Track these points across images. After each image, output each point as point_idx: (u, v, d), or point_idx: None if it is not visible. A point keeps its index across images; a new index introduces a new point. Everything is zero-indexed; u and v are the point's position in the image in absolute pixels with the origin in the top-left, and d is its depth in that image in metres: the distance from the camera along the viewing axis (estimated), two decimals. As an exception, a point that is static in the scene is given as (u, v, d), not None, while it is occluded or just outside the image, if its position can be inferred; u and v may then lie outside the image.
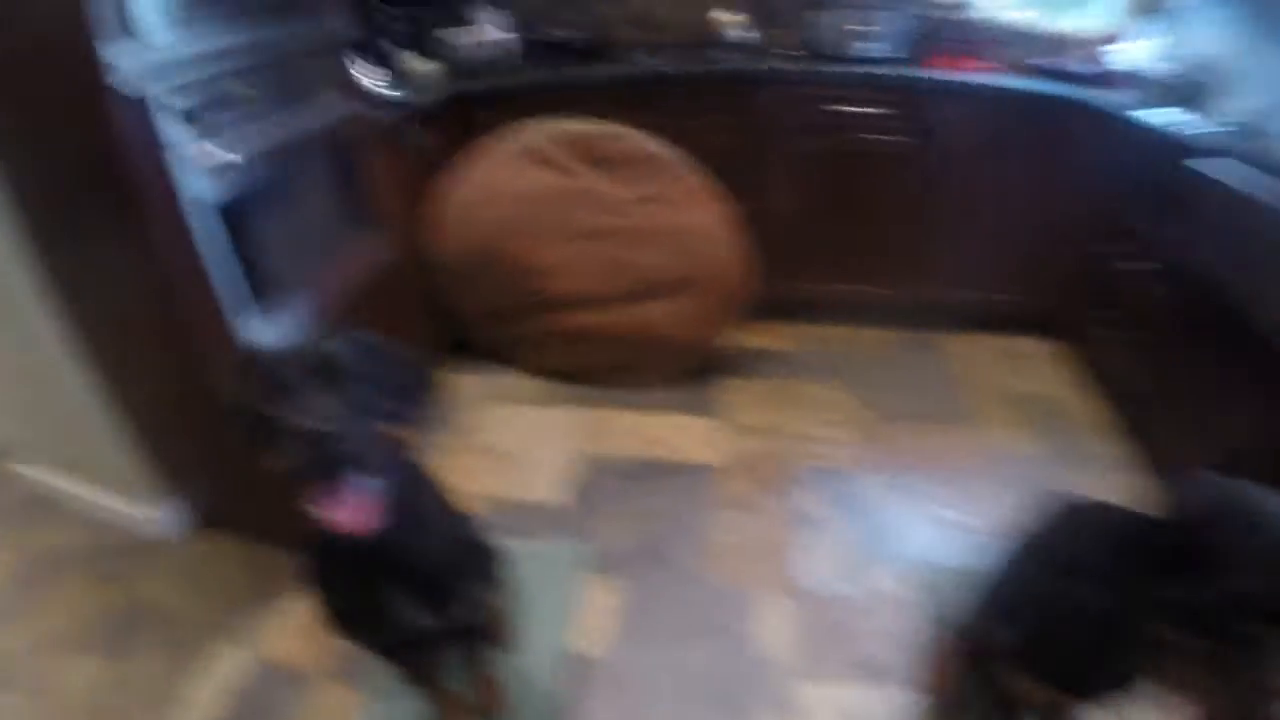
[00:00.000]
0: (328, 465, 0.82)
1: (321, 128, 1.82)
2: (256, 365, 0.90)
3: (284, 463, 0.83)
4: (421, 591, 1.06)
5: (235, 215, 1.54)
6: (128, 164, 1.34)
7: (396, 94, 2.24)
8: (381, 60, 2.34)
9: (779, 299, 2.49)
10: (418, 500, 1.04)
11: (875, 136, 2.33)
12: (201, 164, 1.44)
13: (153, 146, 1.36)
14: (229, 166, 1.50)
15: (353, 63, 2.00)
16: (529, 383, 2.42)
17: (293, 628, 1.76)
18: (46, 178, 1.55)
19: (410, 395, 0.99)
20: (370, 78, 2.14)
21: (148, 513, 2.13)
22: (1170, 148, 1.81)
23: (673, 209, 2.17)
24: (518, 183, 2.22)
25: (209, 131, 1.46)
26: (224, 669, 1.73)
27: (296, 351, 0.90)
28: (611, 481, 1.94)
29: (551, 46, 2.72)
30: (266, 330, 1.66)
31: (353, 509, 0.86)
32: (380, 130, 2.09)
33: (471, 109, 2.47)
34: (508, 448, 2.13)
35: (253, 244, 1.62)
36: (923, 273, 2.52)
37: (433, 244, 2.35)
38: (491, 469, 2.05)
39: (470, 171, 2.33)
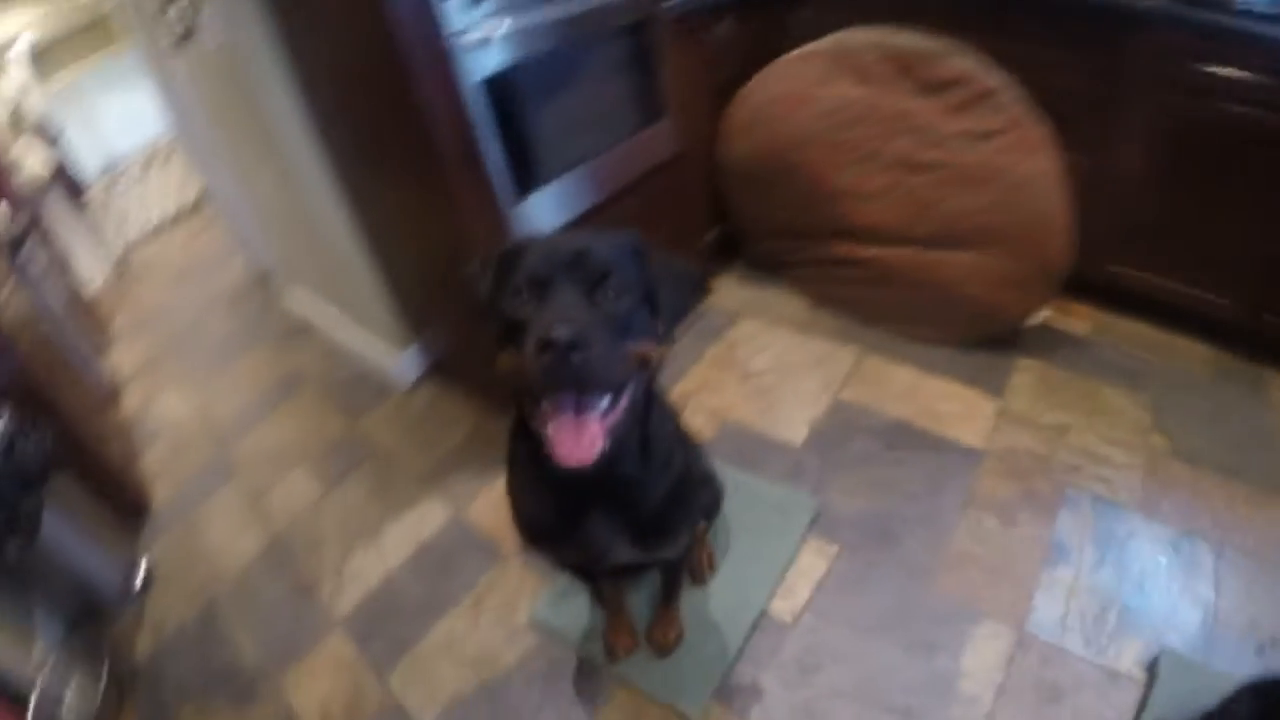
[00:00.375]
0: (565, 380, 0.70)
1: (615, 6, 1.71)
2: (509, 254, 0.80)
3: (520, 365, 0.72)
4: (629, 527, 0.94)
5: (507, 88, 1.50)
6: (399, 25, 1.31)
7: None
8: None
9: (1092, 276, 2.08)
10: (648, 432, 0.90)
11: (1255, 112, 1.82)
12: (474, 33, 1.40)
13: (425, 10, 1.32)
14: (502, 38, 1.45)
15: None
16: (799, 305, 2.26)
17: (497, 498, 1.74)
18: (325, 46, 1.60)
19: (673, 308, 0.85)
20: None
21: (388, 356, 2.25)
22: None
23: (999, 151, 1.84)
24: (826, 91, 2.00)
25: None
26: (422, 519, 1.76)
27: (554, 244, 0.78)
28: (861, 437, 1.73)
29: None
30: (531, 207, 1.62)
31: (578, 436, 0.73)
32: (681, 16, 1.95)
33: (786, 4, 2.25)
34: (761, 371, 1.99)
35: (524, 120, 1.57)
36: (1270, 291, 2.00)
37: (724, 144, 2.21)
38: (739, 390, 1.93)
39: (775, 71, 2.13)
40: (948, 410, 1.78)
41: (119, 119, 5.35)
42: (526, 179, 1.60)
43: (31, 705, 1.49)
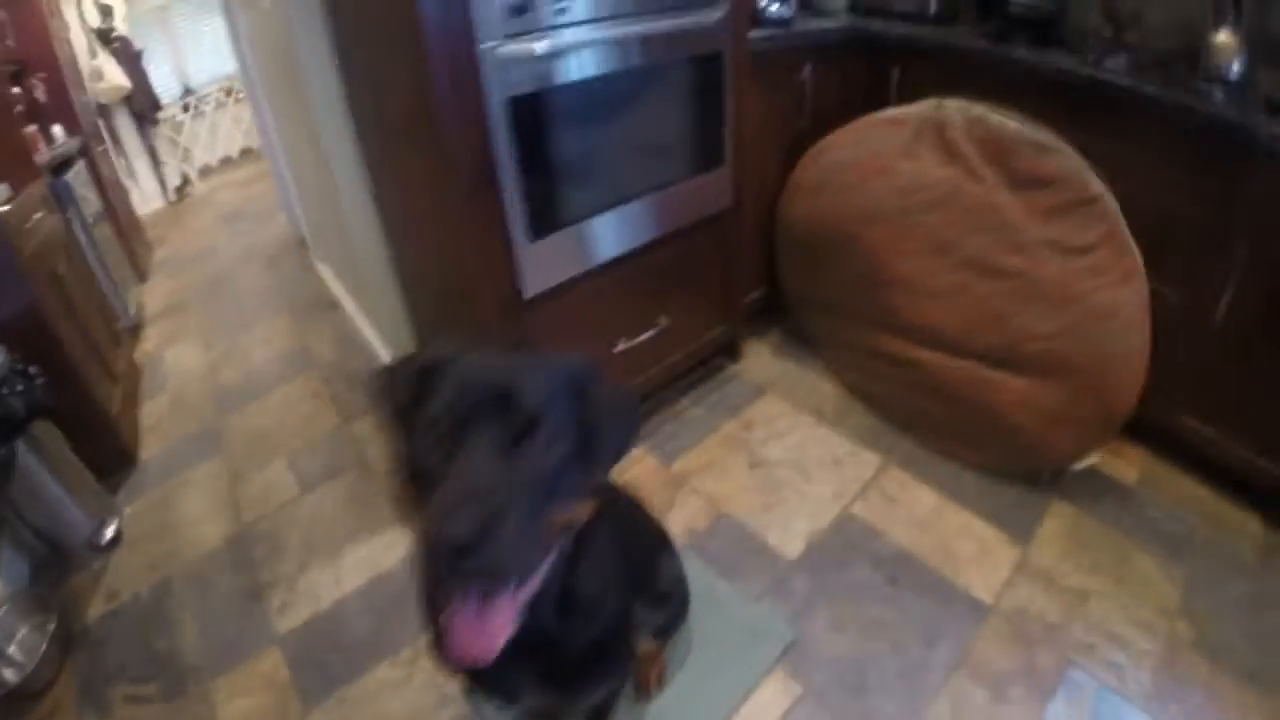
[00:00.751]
0: (462, 580, 0.59)
1: (687, 34, 1.53)
2: (425, 370, 0.66)
3: (421, 542, 0.59)
4: (540, 673, 0.81)
5: (539, 112, 1.35)
6: (426, 22, 1.18)
7: (787, 13, 1.94)
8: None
9: (1152, 418, 1.83)
10: (573, 583, 0.76)
11: None
12: (510, 46, 1.26)
13: (456, 11, 1.19)
14: (542, 55, 1.29)
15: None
16: (831, 391, 2.08)
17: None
18: (364, 32, 1.52)
19: (612, 453, 0.71)
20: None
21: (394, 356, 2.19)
22: None
23: (1086, 271, 1.64)
24: (907, 165, 1.82)
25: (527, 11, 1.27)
26: (387, 548, 1.74)
27: (476, 374, 0.64)
28: (861, 564, 1.56)
29: (996, 8, 2.15)
30: (549, 248, 1.48)
31: (477, 630, 0.61)
32: (764, 53, 1.80)
33: (874, 57, 2.06)
34: (774, 460, 1.83)
35: (556, 149, 1.41)
36: None
37: (787, 201, 2.06)
38: (744, 479, 1.78)
39: (855, 132, 1.96)
40: (964, 550, 1.59)
41: (202, 49, 5.43)
42: (549, 216, 1.46)
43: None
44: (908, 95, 1.96)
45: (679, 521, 1.66)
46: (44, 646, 1.56)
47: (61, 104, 3.28)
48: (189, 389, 2.57)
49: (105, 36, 4.46)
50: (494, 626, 0.61)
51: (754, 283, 2.20)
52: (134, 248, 3.61)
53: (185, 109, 5.30)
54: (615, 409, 0.71)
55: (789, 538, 1.60)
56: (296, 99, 2.02)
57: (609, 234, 1.60)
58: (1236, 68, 1.80)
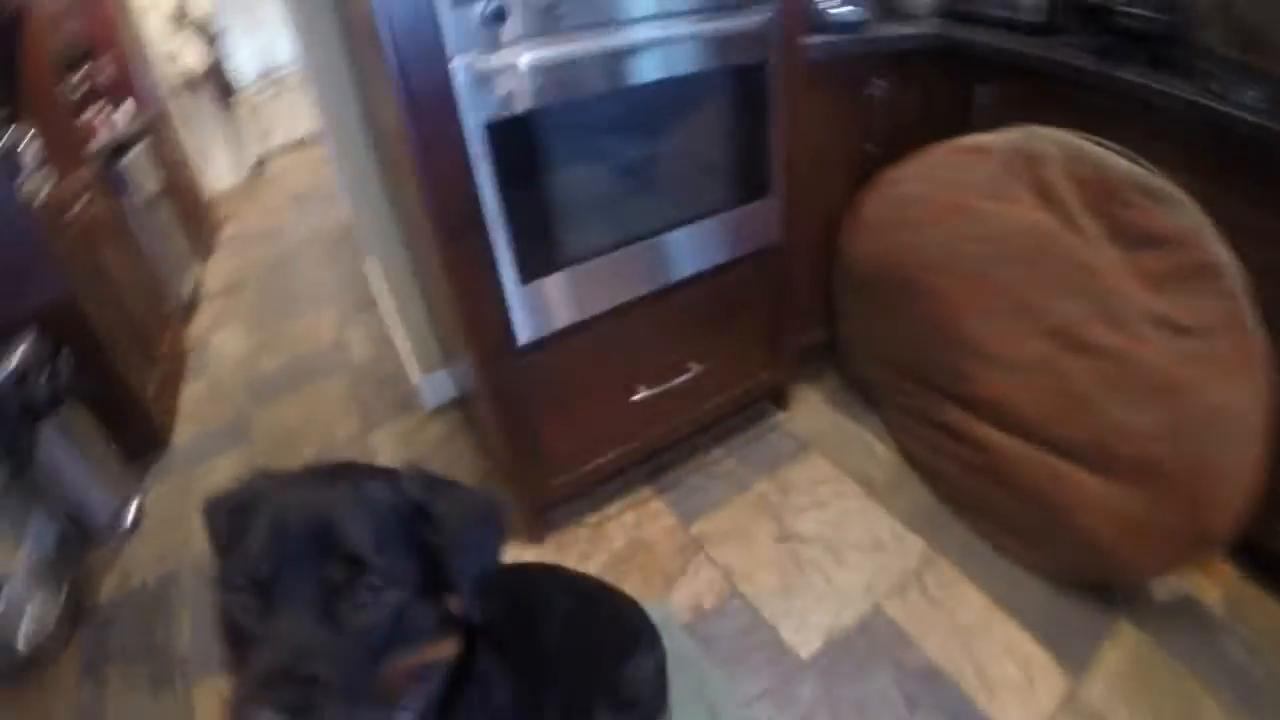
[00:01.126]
0: None
1: (724, 39, 1.30)
2: (237, 508, 0.56)
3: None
4: None
5: (531, 136, 1.16)
6: (392, 37, 1.02)
7: (858, 16, 1.69)
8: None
9: (1253, 540, 1.52)
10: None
11: None
12: (487, 60, 1.06)
13: (422, 18, 1.01)
14: (528, 70, 1.09)
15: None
16: (883, 458, 1.84)
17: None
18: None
19: (472, 574, 0.59)
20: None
21: (417, 371, 2.20)
22: None
23: (1195, 357, 1.36)
24: (991, 205, 1.58)
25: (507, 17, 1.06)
26: None
27: (288, 510, 0.54)
28: (882, 676, 1.34)
29: (1104, 19, 1.79)
30: (554, 286, 1.31)
31: None
32: (826, 62, 1.57)
33: (959, 71, 1.80)
34: (806, 535, 1.63)
35: (554, 177, 1.22)
36: None
37: (849, 236, 1.84)
38: (769, 552, 1.59)
39: (932, 161, 1.73)
40: (1003, 674, 1.34)
41: (281, 28, 5.55)
42: (544, 256, 1.28)
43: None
44: (995, 119, 1.71)
45: (686, 593, 1.50)
46: (55, 618, 1.62)
47: (129, 84, 3.36)
48: (228, 375, 2.59)
49: (183, 16, 4.61)
50: None
51: (808, 324, 1.99)
52: (198, 227, 3.70)
53: (265, 88, 5.45)
54: (469, 525, 0.60)
55: (806, 632, 1.41)
56: (338, 83, 1.98)
57: (621, 275, 1.41)
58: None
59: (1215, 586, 1.53)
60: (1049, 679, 1.34)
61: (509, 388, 1.39)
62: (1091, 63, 1.61)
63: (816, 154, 1.69)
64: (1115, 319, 1.42)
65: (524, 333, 1.32)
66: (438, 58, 1.03)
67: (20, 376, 1.72)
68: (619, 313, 1.44)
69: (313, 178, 5.00)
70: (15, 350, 1.72)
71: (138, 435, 2.14)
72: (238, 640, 0.52)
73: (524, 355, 1.35)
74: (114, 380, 2.05)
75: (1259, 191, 1.38)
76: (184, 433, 2.29)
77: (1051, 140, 1.57)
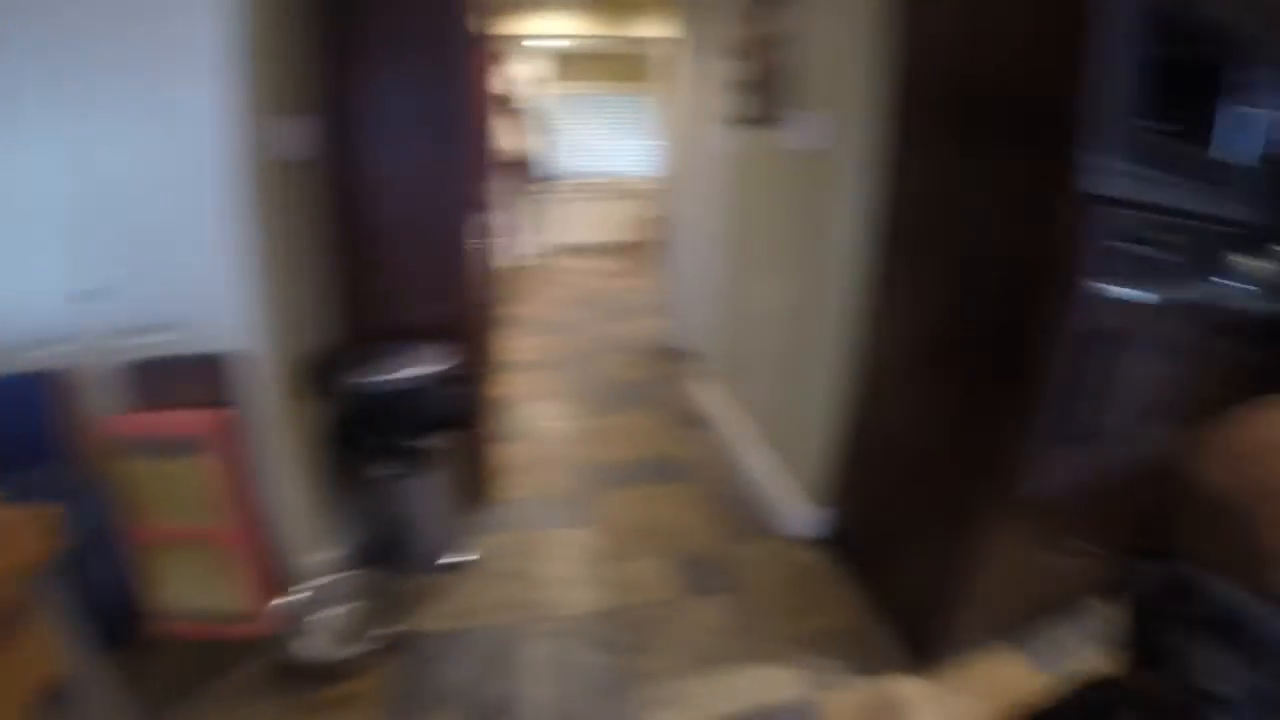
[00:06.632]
0: None
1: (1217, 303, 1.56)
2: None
3: None
4: None
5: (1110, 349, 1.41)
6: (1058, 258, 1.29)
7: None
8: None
9: None
10: None
11: None
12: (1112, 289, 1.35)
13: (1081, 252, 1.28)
14: (1140, 302, 1.38)
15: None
16: None
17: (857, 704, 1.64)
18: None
19: None
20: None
21: (794, 500, 2.32)
22: None
23: None
24: None
25: (1128, 258, 1.36)
26: (772, 681, 1.72)
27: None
28: None
29: None
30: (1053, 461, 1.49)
31: None
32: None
33: None
34: None
35: (1107, 380, 1.45)
36: None
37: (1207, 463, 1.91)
38: None
39: None
40: None
41: (603, 142, 6.50)
42: (1073, 431, 1.47)
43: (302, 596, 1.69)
44: None
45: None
46: (371, 635, 1.72)
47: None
48: (551, 450, 2.84)
49: (527, 108, 5.53)
50: None
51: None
52: (506, 293, 4.23)
53: (573, 189, 6.34)
54: None
55: None
56: (793, 237, 2.23)
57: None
58: None
59: None
60: None
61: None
62: None
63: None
64: None
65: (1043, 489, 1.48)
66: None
67: (442, 382, 1.87)
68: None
69: (602, 285, 5.68)
70: (450, 356, 1.92)
71: (476, 478, 2.32)
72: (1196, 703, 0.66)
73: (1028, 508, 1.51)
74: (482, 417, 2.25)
75: None
76: (515, 491, 2.48)
77: None
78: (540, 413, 3.20)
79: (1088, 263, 1.29)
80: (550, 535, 2.27)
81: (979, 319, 1.52)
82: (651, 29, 5.28)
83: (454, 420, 1.97)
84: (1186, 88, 1.37)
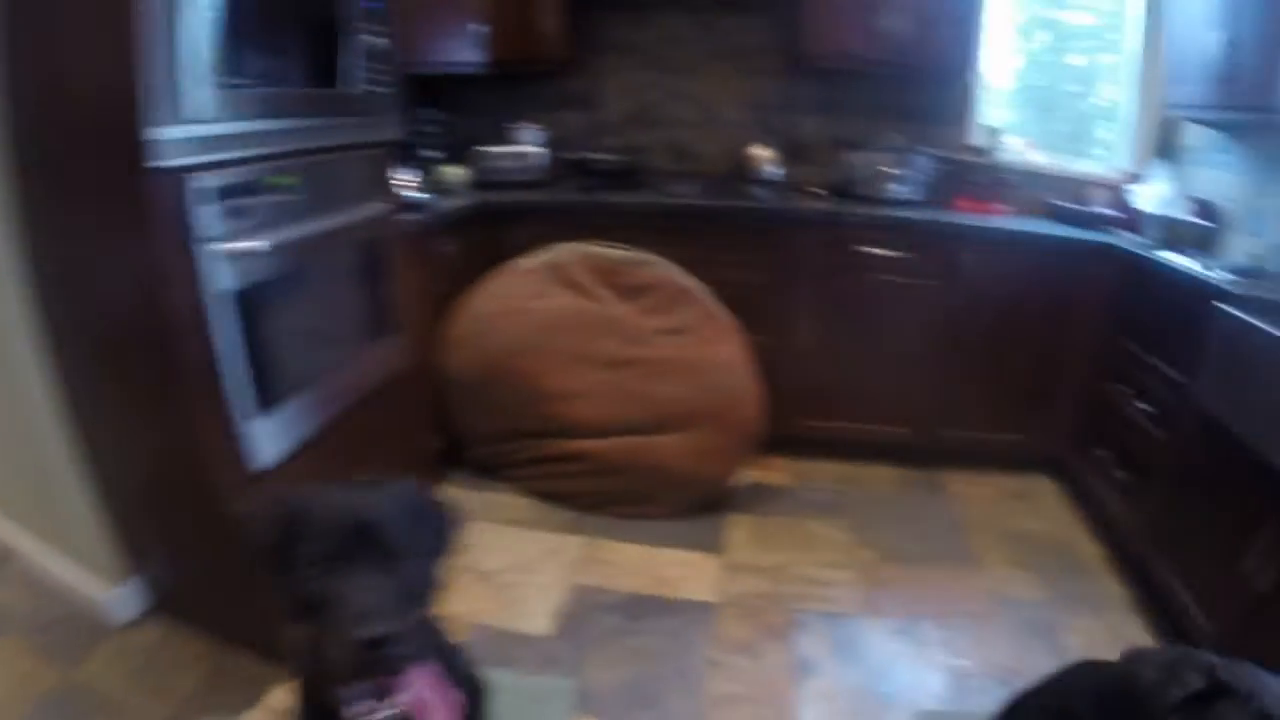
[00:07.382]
0: (379, 671, 0.83)
1: (354, 225, 1.95)
2: (292, 516, 0.89)
3: (318, 648, 0.83)
4: None
5: (252, 305, 1.60)
6: (153, 236, 1.40)
7: (424, 198, 2.49)
8: (415, 164, 2.60)
9: (788, 434, 2.69)
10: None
11: (898, 279, 2.63)
12: (226, 247, 1.48)
13: (180, 221, 1.40)
14: (254, 253, 1.54)
15: (392, 165, 2.21)
16: (523, 503, 2.52)
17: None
18: (68, 243, 1.62)
19: (445, 549, 1.02)
20: (401, 180, 2.37)
21: (101, 590, 2.07)
22: (1191, 291, 1.98)
23: (694, 342, 2.39)
24: (539, 302, 2.45)
25: (239, 214, 1.52)
26: None
27: (341, 512, 0.89)
28: (603, 616, 1.99)
29: (585, 168, 3.06)
30: (269, 424, 1.72)
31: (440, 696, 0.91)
32: (407, 235, 2.29)
33: (498, 222, 2.75)
34: (496, 571, 2.18)
35: (265, 336, 1.66)
36: (934, 412, 2.75)
37: (445, 355, 2.52)
38: (479, 591, 2.10)
39: (491, 286, 2.55)
40: (678, 575, 2.13)
41: None
42: (266, 396, 1.68)
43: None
44: (531, 247, 2.63)
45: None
46: None
47: None
48: None
49: None
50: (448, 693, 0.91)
51: (435, 431, 2.59)
52: None
53: None
54: (443, 515, 1.05)
55: (537, 620, 1.97)
56: None
57: (318, 404, 1.90)
58: (767, 169, 2.89)
59: (782, 474, 2.69)
60: (705, 563, 2.22)
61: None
62: (582, 197, 2.79)
63: (418, 298, 2.39)
64: (635, 340, 2.39)
65: (257, 462, 1.68)
66: (189, 240, 1.43)
67: None
68: (315, 444, 1.89)
69: None
70: None
71: None
72: (306, 609, 0.82)
73: (259, 480, 1.68)
74: None
75: (704, 238, 2.61)
76: None
77: (569, 250, 2.54)
78: None
79: (185, 234, 1.40)
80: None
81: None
82: None
83: None
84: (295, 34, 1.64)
